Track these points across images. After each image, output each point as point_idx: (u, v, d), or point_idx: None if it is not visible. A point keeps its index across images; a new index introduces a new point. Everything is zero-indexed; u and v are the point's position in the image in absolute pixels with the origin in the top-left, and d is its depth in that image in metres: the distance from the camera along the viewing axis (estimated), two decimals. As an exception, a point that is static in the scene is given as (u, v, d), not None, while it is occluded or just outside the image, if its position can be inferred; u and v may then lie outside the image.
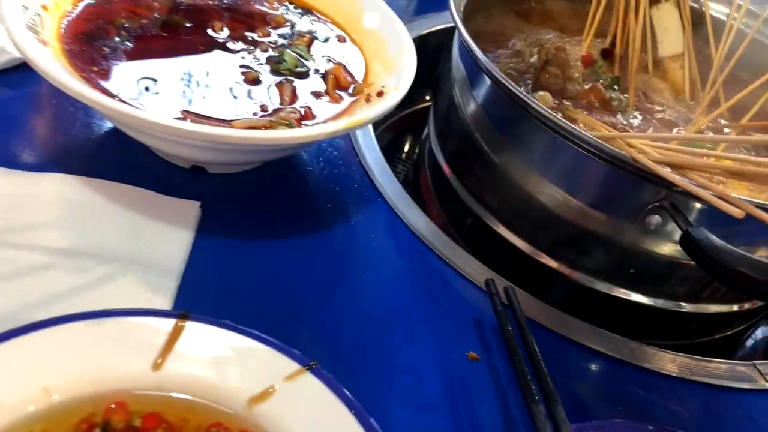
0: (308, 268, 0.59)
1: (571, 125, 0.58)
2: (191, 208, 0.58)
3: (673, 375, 0.61)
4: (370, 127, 0.76)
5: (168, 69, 0.59)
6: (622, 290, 0.70)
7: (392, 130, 0.96)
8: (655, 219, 0.60)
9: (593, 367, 0.59)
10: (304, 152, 0.69)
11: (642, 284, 0.70)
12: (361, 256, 0.62)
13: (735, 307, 0.73)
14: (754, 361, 0.64)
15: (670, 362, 0.62)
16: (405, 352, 0.55)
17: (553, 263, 0.70)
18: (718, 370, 0.63)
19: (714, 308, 0.73)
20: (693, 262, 0.57)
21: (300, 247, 0.60)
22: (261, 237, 0.60)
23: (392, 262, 0.63)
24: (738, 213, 0.47)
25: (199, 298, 0.52)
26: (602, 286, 0.70)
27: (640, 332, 0.67)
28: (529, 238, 0.71)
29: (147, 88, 0.56)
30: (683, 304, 0.71)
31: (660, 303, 0.71)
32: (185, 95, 0.56)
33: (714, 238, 0.54)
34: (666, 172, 0.52)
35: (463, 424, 0.50)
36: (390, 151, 0.94)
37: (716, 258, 0.54)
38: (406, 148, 0.99)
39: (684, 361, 0.62)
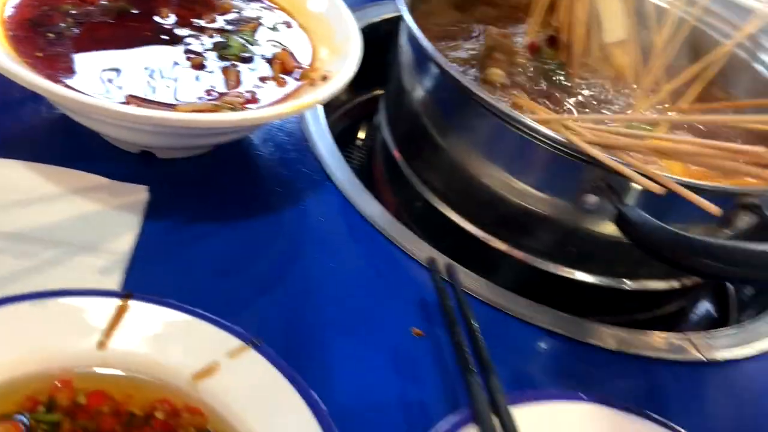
0: (257, 250, 0.60)
1: (510, 109, 0.60)
2: (139, 192, 0.59)
3: (612, 349, 0.64)
4: (322, 114, 0.77)
5: (114, 55, 0.60)
6: (567, 269, 0.73)
7: (348, 117, 0.98)
8: (593, 199, 0.62)
9: (533, 341, 0.62)
10: (255, 138, 0.70)
11: (585, 263, 0.72)
12: (310, 239, 0.64)
13: (675, 284, 0.76)
14: (689, 334, 0.67)
15: (608, 336, 0.65)
16: (351, 330, 0.56)
17: (499, 244, 0.73)
18: (654, 343, 0.66)
19: (655, 285, 0.75)
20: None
21: (249, 230, 0.62)
22: (210, 220, 0.61)
23: (341, 244, 0.64)
24: (658, 189, 0.50)
25: (148, 280, 0.53)
26: (547, 266, 0.73)
27: (586, 310, 0.70)
28: (476, 219, 0.73)
29: (93, 74, 0.56)
30: (625, 281, 0.74)
31: (604, 281, 0.74)
32: (131, 80, 0.57)
33: (646, 216, 0.57)
34: (596, 152, 0.55)
35: (406, 396, 0.52)
36: (345, 138, 0.95)
37: (647, 235, 0.57)
38: (362, 135, 1.00)
39: (621, 335, 0.65)
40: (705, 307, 0.87)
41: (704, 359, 0.65)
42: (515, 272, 0.74)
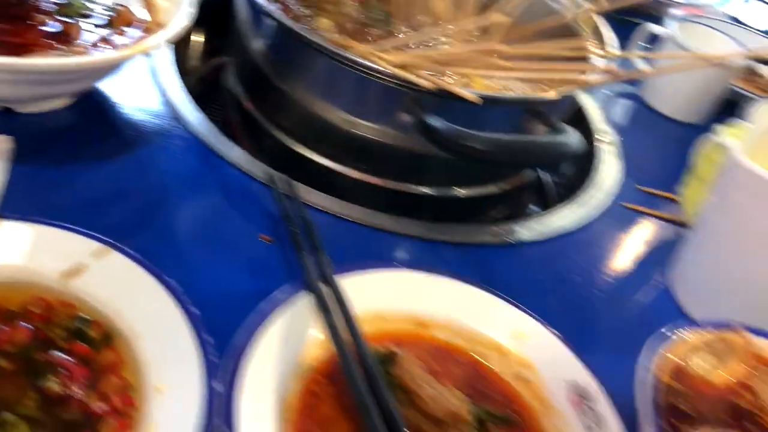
0: (118, 186, 0.69)
1: (327, 42, 0.71)
2: (3, 143, 0.66)
3: (437, 239, 0.76)
4: (175, 68, 0.86)
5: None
6: (410, 185, 0.85)
7: (206, 80, 1.07)
8: (407, 117, 0.74)
9: (364, 237, 0.73)
10: (112, 92, 0.78)
11: (419, 177, 0.85)
12: (166, 174, 0.73)
13: (496, 189, 0.90)
14: (500, 224, 0.81)
15: (433, 230, 0.77)
16: (205, 241, 0.66)
17: (343, 169, 0.84)
18: (468, 231, 0.79)
19: (482, 190, 0.89)
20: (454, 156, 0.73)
21: (109, 171, 0.70)
22: (73, 165, 0.69)
23: (193, 176, 0.74)
24: (428, 84, 0.62)
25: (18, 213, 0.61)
26: (391, 184, 0.84)
27: (428, 218, 0.81)
28: (320, 149, 0.84)
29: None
30: (458, 189, 0.87)
31: (440, 191, 0.87)
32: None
33: (446, 123, 0.69)
34: (396, 69, 0.66)
35: (254, 287, 0.61)
36: (207, 99, 1.04)
37: (447, 137, 0.69)
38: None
39: (441, 227, 0.77)
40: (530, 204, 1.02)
41: (512, 242, 0.79)
42: (363, 194, 0.84)
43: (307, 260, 0.61)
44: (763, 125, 0.70)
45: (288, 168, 0.82)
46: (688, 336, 0.60)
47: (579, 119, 1.06)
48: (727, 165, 0.71)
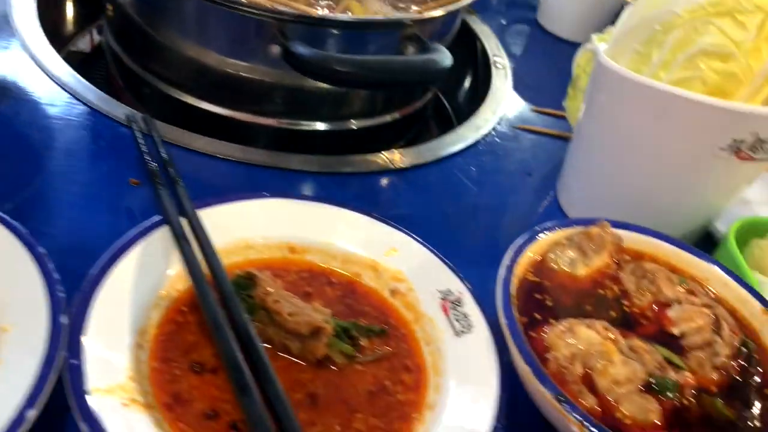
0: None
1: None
2: None
3: (318, 170, 0.76)
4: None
5: None
6: (302, 122, 0.84)
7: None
8: (276, 49, 0.73)
9: (248, 176, 0.72)
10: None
11: (310, 113, 0.84)
12: (37, 126, 0.71)
13: (389, 118, 0.90)
14: (383, 153, 0.81)
15: (312, 162, 0.77)
16: (76, 191, 0.65)
17: (236, 114, 0.83)
18: (355, 161, 0.79)
19: (375, 121, 0.89)
20: (329, 85, 0.72)
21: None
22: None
23: (63, 126, 0.72)
24: (280, 8, 0.61)
25: None
26: (278, 122, 0.83)
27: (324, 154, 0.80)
28: (205, 96, 0.82)
29: None
30: (351, 121, 0.86)
31: (333, 125, 0.86)
32: None
33: (312, 49, 0.68)
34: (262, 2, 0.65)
35: (123, 227, 0.61)
36: (92, 61, 1.02)
37: (313, 63, 0.68)
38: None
39: (324, 160, 0.77)
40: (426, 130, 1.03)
41: (393, 167, 0.79)
42: (243, 134, 0.82)
43: (163, 193, 0.60)
44: (625, 26, 0.71)
45: (177, 117, 0.80)
46: (550, 234, 0.61)
47: (473, 45, 1.06)
48: (593, 69, 0.72)
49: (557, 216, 0.79)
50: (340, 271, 0.63)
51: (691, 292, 0.60)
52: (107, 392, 0.45)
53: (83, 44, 1.07)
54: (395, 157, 0.80)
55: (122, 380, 0.46)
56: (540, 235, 0.61)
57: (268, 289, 0.53)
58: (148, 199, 0.65)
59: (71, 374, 0.44)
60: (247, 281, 0.54)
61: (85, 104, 0.74)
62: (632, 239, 0.64)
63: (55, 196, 0.64)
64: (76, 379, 0.44)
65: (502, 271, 0.56)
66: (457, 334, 0.57)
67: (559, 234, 0.62)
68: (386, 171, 0.79)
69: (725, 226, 0.76)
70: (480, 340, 0.57)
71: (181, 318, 0.54)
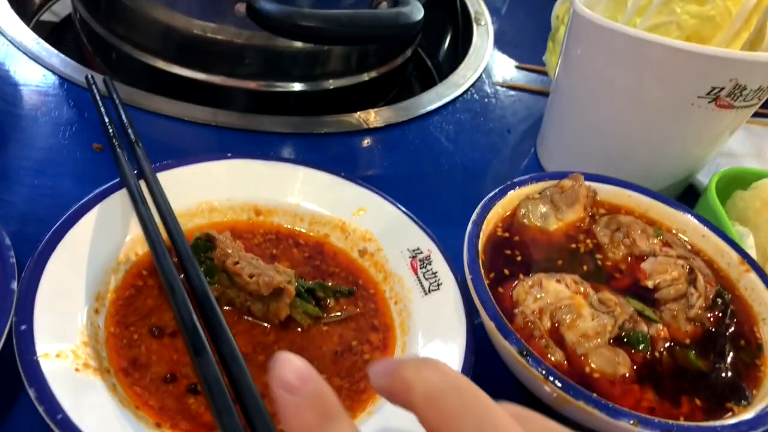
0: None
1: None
2: None
3: (291, 131, 0.74)
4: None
5: None
6: (277, 83, 0.82)
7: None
8: (242, 7, 0.70)
9: (200, 134, 0.71)
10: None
11: (283, 74, 0.81)
12: (3, 97, 0.69)
13: (365, 77, 0.87)
14: (359, 113, 0.79)
15: (284, 124, 0.75)
16: (42, 157, 0.63)
17: (197, 75, 0.80)
18: (329, 122, 0.77)
19: (350, 80, 0.86)
20: (297, 41, 0.70)
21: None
22: None
23: (29, 94, 0.70)
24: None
25: None
26: (252, 84, 0.81)
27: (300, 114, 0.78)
28: (174, 59, 0.80)
29: None
30: (328, 81, 0.84)
31: (310, 86, 0.83)
32: None
33: (278, 5, 0.66)
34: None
35: (80, 192, 0.59)
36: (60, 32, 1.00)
37: (279, 19, 0.66)
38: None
39: (296, 120, 0.75)
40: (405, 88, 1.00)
41: (368, 127, 0.77)
42: (216, 98, 0.80)
43: (121, 156, 0.58)
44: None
45: (147, 82, 0.78)
46: (522, 188, 0.60)
47: (453, 2, 1.03)
48: (569, 19, 0.70)
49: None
50: (307, 232, 0.61)
51: (667, 244, 0.58)
52: (58, 357, 0.44)
53: (53, 15, 1.04)
54: (370, 117, 0.79)
55: (75, 345, 0.45)
56: (511, 190, 0.59)
57: (228, 250, 0.52)
58: (112, 163, 0.63)
59: (19, 339, 0.43)
60: (206, 243, 0.53)
61: (48, 69, 0.73)
62: (607, 192, 0.62)
63: (15, 163, 0.63)
64: (24, 344, 0.43)
65: (469, 227, 0.54)
66: (426, 292, 0.56)
67: (531, 188, 0.60)
68: (361, 131, 0.77)
69: (708, 179, 0.74)
70: (448, 298, 0.55)
71: (141, 282, 0.53)
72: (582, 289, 0.53)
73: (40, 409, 0.40)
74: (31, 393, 0.41)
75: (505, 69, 0.94)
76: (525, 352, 0.46)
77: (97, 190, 0.55)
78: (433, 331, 0.54)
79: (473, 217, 0.55)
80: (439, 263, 0.58)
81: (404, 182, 0.72)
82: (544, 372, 0.45)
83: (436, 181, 0.74)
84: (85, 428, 0.40)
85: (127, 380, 0.46)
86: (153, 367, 0.48)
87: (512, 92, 0.90)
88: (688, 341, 0.52)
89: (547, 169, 0.76)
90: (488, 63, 0.93)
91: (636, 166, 0.71)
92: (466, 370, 0.50)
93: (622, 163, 0.70)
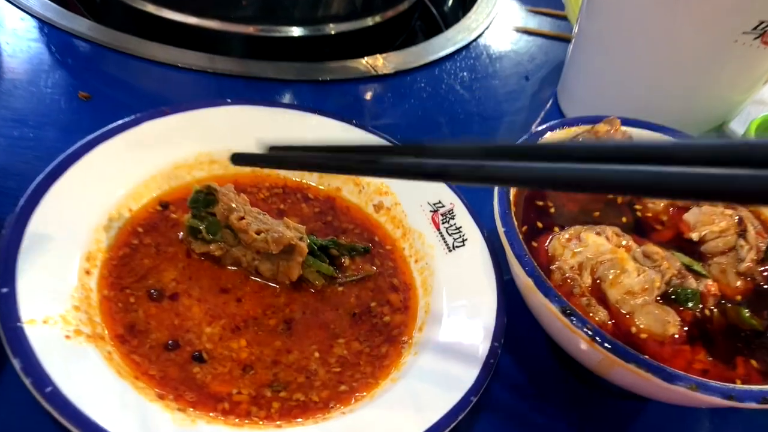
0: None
1: None
2: None
3: (294, 78, 0.68)
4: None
5: None
6: (276, 27, 0.75)
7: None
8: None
9: (197, 82, 0.65)
10: None
11: (282, 17, 0.75)
12: None
13: (370, 22, 0.81)
14: (367, 58, 0.73)
15: (287, 70, 0.69)
16: (25, 107, 0.57)
17: (191, 20, 0.74)
18: (335, 68, 0.71)
19: (354, 25, 0.80)
20: None
21: None
22: None
23: (14, 41, 0.64)
24: None
25: None
26: (249, 29, 0.75)
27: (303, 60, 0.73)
28: (158, 0, 0.74)
29: None
30: (329, 26, 0.78)
31: (311, 30, 0.77)
32: None
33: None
34: None
35: (65, 143, 0.54)
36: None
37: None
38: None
39: (299, 67, 0.69)
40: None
41: (377, 74, 0.71)
42: (214, 42, 0.74)
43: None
44: None
45: (140, 28, 0.72)
46: (553, 134, 0.54)
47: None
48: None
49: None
50: (317, 186, 0.56)
51: (710, 193, 0.53)
52: (45, 323, 0.39)
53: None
54: (378, 63, 0.73)
55: (64, 310, 0.40)
56: (541, 136, 0.54)
57: (232, 204, 0.47)
58: (99, 113, 0.58)
59: (1, 305, 0.38)
60: (207, 197, 0.47)
61: (26, 12, 0.66)
62: (644, 137, 0.57)
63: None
64: (6, 309, 0.38)
65: (498, 176, 0.49)
66: (450, 248, 0.51)
67: (563, 134, 0.55)
68: (369, 78, 0.71)
69: (742, 127, 0.69)
70: (475, 255, 0.51)
71: (136, 240, 0.48)
72: (624, 242, 0.48)
73: (27, 382, 0.36)
74: (16, 364, 0.36)
75: (518, 13, 0.88)
76: (568, 311, 0.41)
77: (84, 140, 0.49)
78: (459, 290, 0.49)
79: (502, 164, 0.50)
80: (463, 217, 0.53)
81: (418, 133, 0.66)
82: (590, 333, 0.40)
83: (451, 131, 0.69)
84: (78, 402, 0.35)
85: (124, 348, 0.42)
86: (153, 333, 0.43)
87: (528, 37, 0.84)
88: (739, 298, 0.48)
89: (568, 115, 0.71)
90: (501, 7, 0.86)
91: (667, 113, 0.65)
92: (498, 332, 0.45)
93: (653, 110, 0.65)
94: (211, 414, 0.39)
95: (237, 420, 0.39)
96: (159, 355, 0.42)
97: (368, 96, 0.70)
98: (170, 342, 0.43)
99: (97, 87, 0.60)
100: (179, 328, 0.44)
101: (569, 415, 0.48)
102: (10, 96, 0.58)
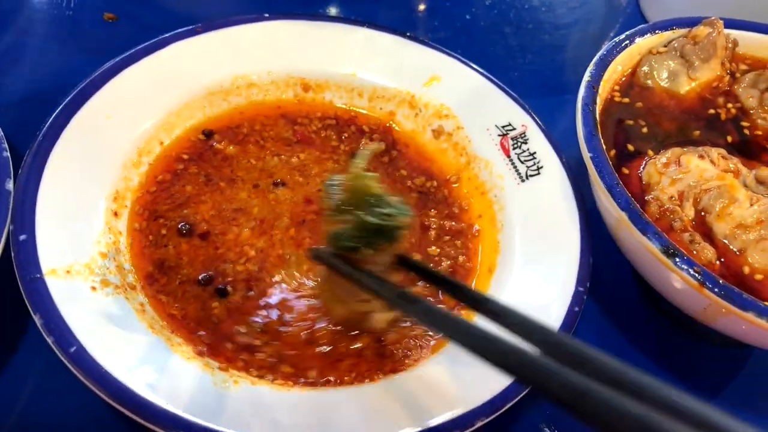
0: None
1: None
2: None
3: None
4: None
5: None
6: None
7: None
8: None
9: None
10: None
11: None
12: None
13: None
14: None
15: None
16: (47, 32, 0.52)
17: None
18: None
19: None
20: None
21: None
22: None
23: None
24: None
25: None
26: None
27: None
28: None
29: None
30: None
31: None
32: None
33: None
34: None
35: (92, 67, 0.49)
36: None
37: None
38: None
39: None
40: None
41: None
42: None
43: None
44: None
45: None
46: (642, 40, 0.46)
47: None
48: None
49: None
50: (368, 112, 0.50)
51: (835, 105, 0.45)
52: (68, 274, 0.34)
53: None
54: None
55: (89, 258, 0.36)
56: (628, 42, 0.46)
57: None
58: (126, 35, 0.52)
59: (19, 253, 0.34)
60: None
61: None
62: (751, 42, 0.48)
63: (11, 39, 0.52)
64: (25, 258, 0.34)
65: (582, 92, 0.42)
66: (523, 178, 0.45)
67: (654, 39, 0.47)
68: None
69: None
70: (553, 185, 0.44)
71: (181, 166, 0.43)
72: (732, 165, 0.40)
73: (50, 341, 0.31)
74: (37, 320, 0.32)
75: None
76: (671, 250, 0.34)
77: (107, 64, 0.43)
78: (534, 226, 0.42)
79: (586, 77, 0.43)
80: (538, 141, 0.46)
81: (478, 45, 0.59)
82: (699, 276, 0.34)
83: (520, 42, 0.61)
84: (105, 363, 0.31)
85: (152, 289, 0.37)
86: (184, 268, 0.38)
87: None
88: None
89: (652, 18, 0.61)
90: None
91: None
92: (583, 275, 0.39)
93: (755, 10, 0.56)
94: (255, 374, 0.35)
95: (282, 383, 0.35)
96: (185, 292, 0.38)
97: (423, 6, 0.62)
98: (203, 276, 0.38)
99: (124, 7, 0.55)
100: (215, 260, 0.39)
101: (663, 367, 0.42)
102: (30, 20, 0.53)
